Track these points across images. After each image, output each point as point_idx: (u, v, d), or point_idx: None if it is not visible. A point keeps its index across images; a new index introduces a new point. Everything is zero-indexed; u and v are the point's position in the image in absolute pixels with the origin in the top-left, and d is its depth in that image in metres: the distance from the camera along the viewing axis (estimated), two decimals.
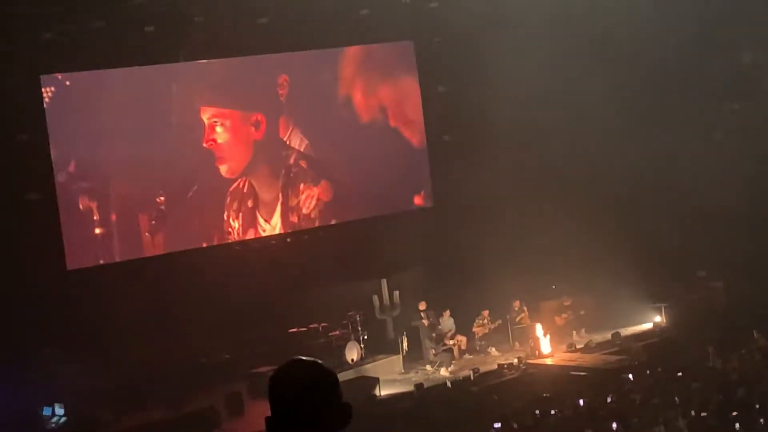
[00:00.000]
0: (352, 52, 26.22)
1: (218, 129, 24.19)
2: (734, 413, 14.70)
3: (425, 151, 27.03)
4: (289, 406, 3.43)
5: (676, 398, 16.42)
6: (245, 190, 24.69)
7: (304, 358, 3.54)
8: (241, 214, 24.65)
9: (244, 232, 24.78)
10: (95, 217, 22.81)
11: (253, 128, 24.72)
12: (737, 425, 14.07)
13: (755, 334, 20.33)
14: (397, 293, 24.21)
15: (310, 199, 25.57)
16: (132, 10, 22.17)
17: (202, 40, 23.49)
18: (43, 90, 22.04)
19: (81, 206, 22.62)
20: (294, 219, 25.52)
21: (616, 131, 25.24)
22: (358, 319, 23.10)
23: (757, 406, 15.04)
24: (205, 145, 24.05)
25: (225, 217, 24.46)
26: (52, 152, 22.13)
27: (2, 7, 20.67)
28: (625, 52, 24.99)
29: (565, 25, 24.09)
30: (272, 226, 25.12)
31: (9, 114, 21.10)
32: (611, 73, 24.78)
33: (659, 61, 25.71)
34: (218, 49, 24.11)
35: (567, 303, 24.80)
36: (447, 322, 23.77)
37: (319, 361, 3.52)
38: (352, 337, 22.91)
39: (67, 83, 22.61)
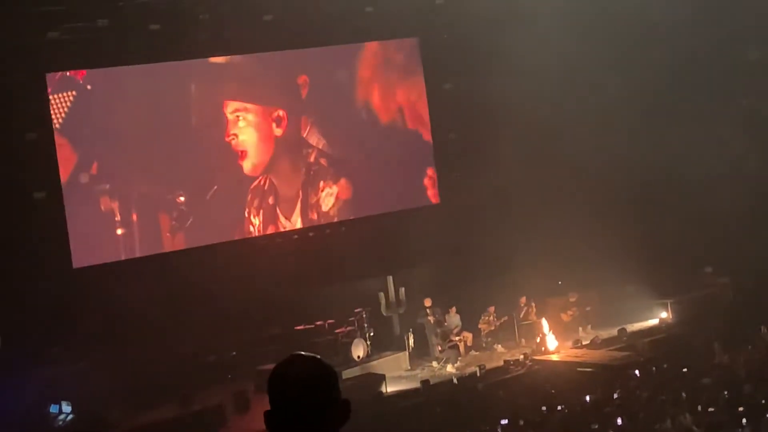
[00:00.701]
0: (367, 49, 26.26)
1: (241, 123, 24.25)
2: (741, 409, 14.71)
3: (431, 148, 27.05)
4: (289, 402, 3.42)
5: (683, 394, 16.43)
6: (266, 188, 24.75)
7: (304, 353, 3.53)
8: (261, 212, 24.69)
9: (265, 229, 24.83)
10: (104, 215, 22.85)
11: (274, 124, 24.79)
12: (744, 420, 14.07)
13: (762, 330, 20.32)
14: (403, 290, 24.21)
15: (329, 197, 25.64)
16: (136, 9, 22.20)
17: (208, 38, 23.52)
18: (49, 87, 22.08)
19: (89, 204, 22.65)
20: (313, 216, 25.59)
21: (623, 129, 25.26)
22: (364, 316, 23.12)
23: (764, 402, 15.04)
24: (226, 139, 24.10)
25: (246, 215, 24.54)
26: (59, 150, 22.17)
27: (7, 6, 20.70)
28: (633, 50, 25.04)
29: (573, 22, 24.05)
30: (292, 223, 25.18)
31: (15, 113, 21.15)
32: (619, 71, 24.80)
33: (667, 59, 25.70)
34: (223, 47, 24.14)
35: (573, 299, 24.79)
36: (453, 318, 23.78)
37: (318, 357, 3.52)
38: (359, 334, 22.92)
39: (81, 81, 22.67)
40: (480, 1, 24.37)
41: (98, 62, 22.67)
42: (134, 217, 23.26)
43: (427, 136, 27.02)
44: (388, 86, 26.60)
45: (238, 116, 24.28)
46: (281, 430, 3.45)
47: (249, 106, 24.50)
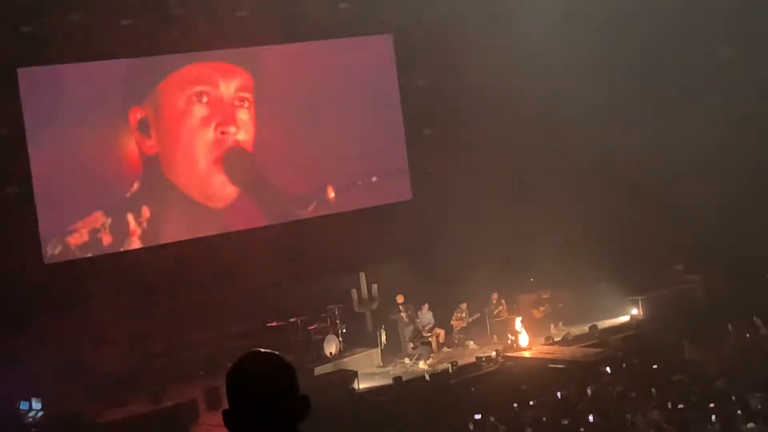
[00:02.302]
0: (332, 46, 26.20)
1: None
2: (711, 405, 14.80)
3: (404, 144, 27.03)
4: (247, 399, 3.42)
5: (654, 390, 16.52)
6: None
7: (262, 350, 3.52)
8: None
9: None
10: (76, 211, 22.72)
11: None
12: (713, 417, 14.16)
13: (730, 327, 20.44)
14: (375, 286, 24.21)
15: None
16: (109, 4, 22.10)
17: (180, 34, 23.44)
18: (20, 83, 21.95)
19: (61, 199, 22.52)
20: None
21: (593, 125, 25.30)
22: (336, 312, 23.11)
23: (734, 399, 15.13)
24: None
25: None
26: (30, 146, 22.05)
27: None
28: (606, 47, 25.06)
29: (547, 19, 24.07)
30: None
31: None
32: (591, 69, 24.83)
33: (636, 56, 25.81)
34: (196, 42, 24.06)
35: (545, 296, 24.87)
36: (425, 315, 23.81)
37: (277, 353, 3.50)
38: (331, 330, 22.91)
39: (53, 76, 22.54)
40: None
41: (71, 57, 22.55)
42: (104, 213, 23.14)
43: (401, 132, 27.00)
44: (362, 82, 26.56)
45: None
46: (240, 428, 3.45)
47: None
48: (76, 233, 22.71)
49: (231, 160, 24.20)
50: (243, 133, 23.96)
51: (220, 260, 23.87)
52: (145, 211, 23.40)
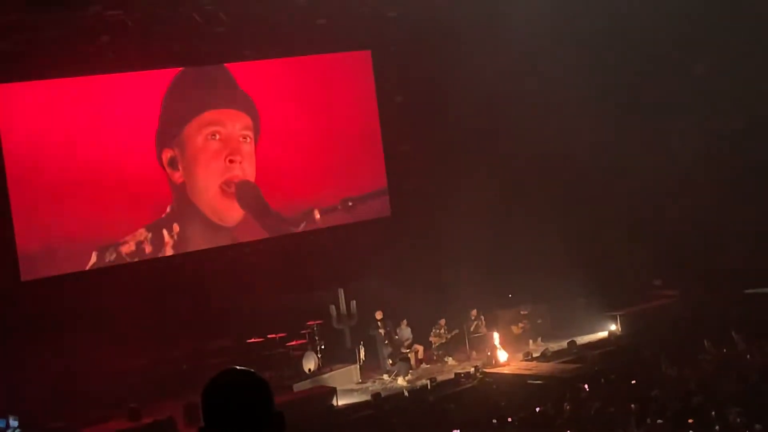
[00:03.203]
0: (311, 62, 26.28)
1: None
2: (690, 420, 14.83)
3: (382, 160, 27.07)
4: (222, 416, 3.43)
5: (632, 406, 16.54)
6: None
7: (237, 367, 3.55)
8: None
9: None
10: (52, 228, 22.70)
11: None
12: None
13: (706, 343, 20.49)
14: (354, 303, 24.21)
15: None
16: (85, 21, 22.04)
17: (159, 49, 23.45)
18: None
19: (37, 217, 22.49)
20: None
21: (572, 140, 25.41)
22: (315, 329, 23.08)
23: (713, 414, 15.17)
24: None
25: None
26: (10, 162, 22.03)
27: None
28: (585, 59, 25.13)
29: (526, 33, 24.17)
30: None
31: None
32: (568, 82, 24.89)
33: (616, 69, 25.91)
34: (175, 58, 24.07)
35: (524, 312, 24.93)
36: (404, 331, 23.83)
37: (252, 371, 3.52)
38: (310, 347, 22.88)
39: (30, 92, 22.64)
40: (432, 13, 24.47)
41: (47, 73, 22.50)
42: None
43: (379, 149, 27.05)
44: (340, 99, 26.60)
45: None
46: None
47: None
48: (52, 250, 22.70)
49: (239, 189, 25.13)
50: (247, 165, 25.32)
51: (200, 276, 23.85)
52: (176, 227, 24.40)
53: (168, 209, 24.56)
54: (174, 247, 24.58)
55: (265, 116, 25.65)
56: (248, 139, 25.36)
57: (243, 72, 25.38)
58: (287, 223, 26.04)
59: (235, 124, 25.29)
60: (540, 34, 24.22)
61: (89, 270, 23.15)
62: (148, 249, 24.12)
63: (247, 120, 25.47)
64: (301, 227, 26.15)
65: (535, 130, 25.36)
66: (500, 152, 26.33)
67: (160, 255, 24.32)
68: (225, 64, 25.14)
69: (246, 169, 25.23)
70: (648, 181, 25.54)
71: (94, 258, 23.46)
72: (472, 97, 25.36)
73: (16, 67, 21.84)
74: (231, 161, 25.00)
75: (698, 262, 24.64)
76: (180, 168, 24.71)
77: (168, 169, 24.59)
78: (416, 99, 26.91)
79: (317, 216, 26.21)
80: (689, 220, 24.64)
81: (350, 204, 26.57)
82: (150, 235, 24.18)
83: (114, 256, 23.74)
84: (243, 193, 25.21)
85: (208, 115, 25.07)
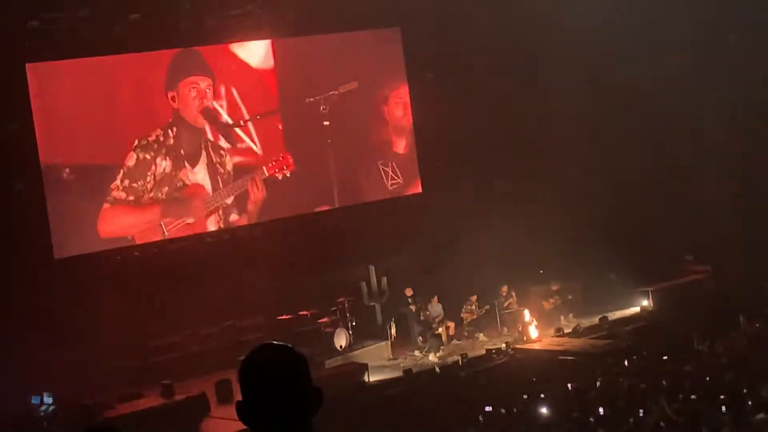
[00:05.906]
0: (339, 39, 26.21)
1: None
2: (722, 396, 14.76)
3: (413, 137, 27.03)
4: (261, 391, 3.43)
5: (664, 382, 16.48)
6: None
7: (275, 342, 3.54)
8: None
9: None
10: (85, 206, 22.81)
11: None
12: (724, 408, 14.12)
13: (741, 319, 20.39)
14: (385, 279, 24.23)
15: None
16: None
17: (189, 27, 23.48)
18: (29, 78, 22.02)
19: (70, 194, 22.61)
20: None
21: (604, 119, 25.31)
22: (346, 305, 23.11)
23: (745, 390, 15.09)
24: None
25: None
26: (40, 141, 22.13)
27: None
28: (611, 40, 24.91)
29: (558, 12, 24.01)
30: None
31: None
32: (606, 61, 24.69)
33: (648, 48, 25.67)
34: (205, 36, 24.09)
35: (555, 288, 24.84)
36: (435, 307, 23.80)
37: (290, 345, 3.52)
38: (341, 323, 22.91)
39: (62, 71, 22.68)
40: None
41: (79, 52, 22.59)
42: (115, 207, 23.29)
43: (410, 126, 27.01)
44: (370, 76, 26.55)
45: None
46: (254, 419, 3.46)
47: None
48: (85, 228, 22.82)
49: None
50: None
51: (230, 255, 23.93)
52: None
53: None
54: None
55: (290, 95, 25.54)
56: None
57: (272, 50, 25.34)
58: (312, 199, 25.90)
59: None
60: (568, 8, 24.10)
61: (123, 248, 23.26)
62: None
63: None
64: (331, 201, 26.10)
65: (565, 109, 25.19)
66: (531, 129, 26.21)
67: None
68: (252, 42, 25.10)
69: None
70: (682, 157, 25.38)
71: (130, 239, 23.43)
72: (505, 73, 25.29)
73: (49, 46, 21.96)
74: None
75: (731, 237, 24.46)
76: None
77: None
78: (447, 75, 26.77)
79: (345, 187, 26.18)
80: (722, 194, 24.45)
81: (384, 171, 26.60)
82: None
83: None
84: None
85: None
